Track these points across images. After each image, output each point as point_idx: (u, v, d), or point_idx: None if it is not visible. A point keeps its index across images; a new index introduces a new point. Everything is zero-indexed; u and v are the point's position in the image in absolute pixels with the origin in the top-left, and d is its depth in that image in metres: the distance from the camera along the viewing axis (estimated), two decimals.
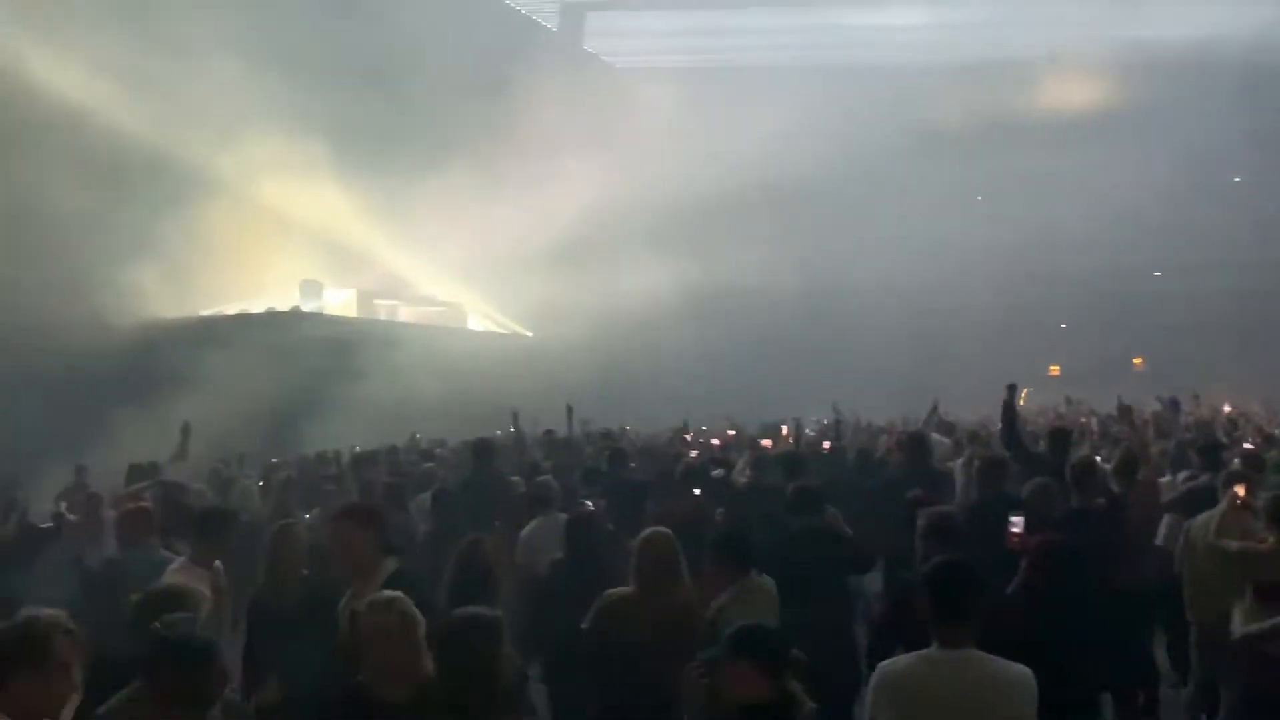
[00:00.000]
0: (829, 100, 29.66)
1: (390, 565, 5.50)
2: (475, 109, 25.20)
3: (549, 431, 14.17)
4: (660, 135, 27.77)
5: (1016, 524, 6.42)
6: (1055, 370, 33.37)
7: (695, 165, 27.87)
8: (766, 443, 13.54)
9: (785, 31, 33.61)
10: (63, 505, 11.01)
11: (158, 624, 4.01)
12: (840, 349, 31.82)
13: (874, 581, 8.44)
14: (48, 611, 3.71)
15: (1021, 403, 19.74)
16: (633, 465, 11.26)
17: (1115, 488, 8.08)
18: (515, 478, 10.28)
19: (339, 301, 24.47)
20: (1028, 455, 9.20)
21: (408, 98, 24.51)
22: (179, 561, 6.35)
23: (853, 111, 29.87)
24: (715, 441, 15.66)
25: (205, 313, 21.87)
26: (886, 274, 33.10)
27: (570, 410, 12.79)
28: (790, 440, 14.05)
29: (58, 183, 17.03)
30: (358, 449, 14.39)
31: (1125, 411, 10.83)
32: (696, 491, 8.97)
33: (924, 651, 4.41)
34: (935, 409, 14.53)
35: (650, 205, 27.55)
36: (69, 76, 17.62)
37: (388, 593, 4.58)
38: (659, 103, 29.39)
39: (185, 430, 11.26)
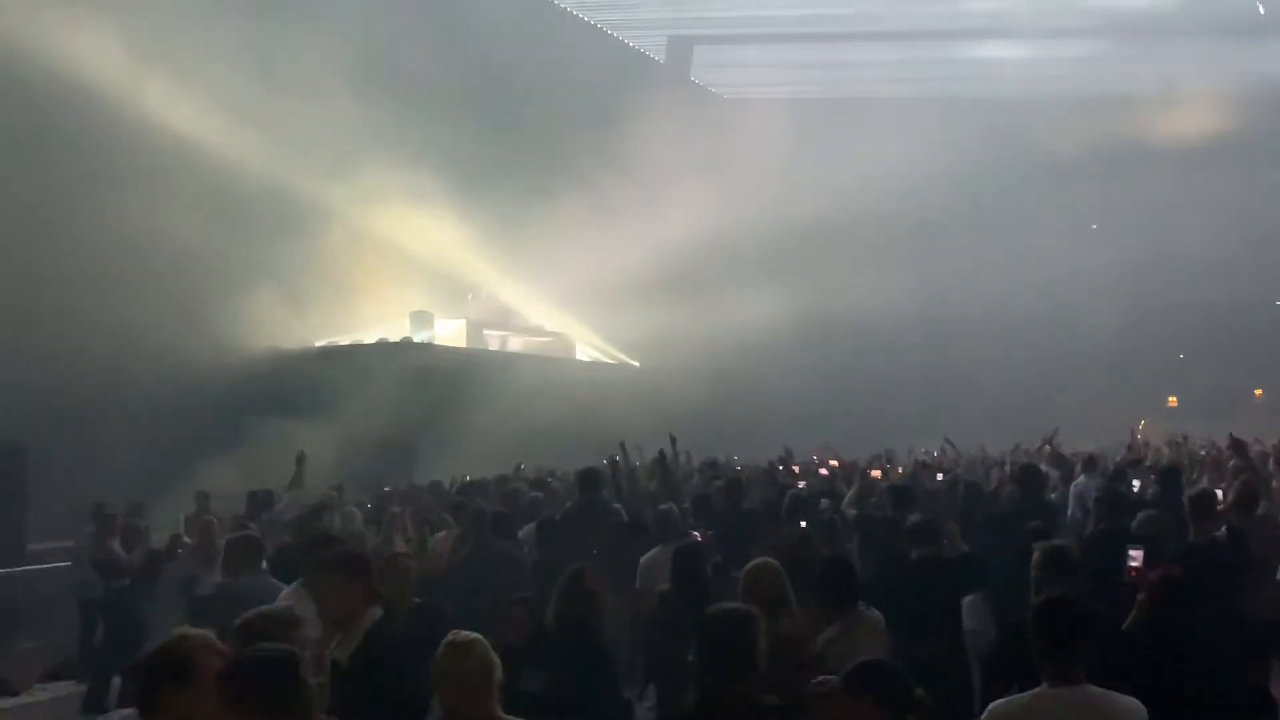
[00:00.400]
0: (941, 131, 29.43)
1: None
2: (584, 139, 25.50)
3: (660, 457, 14.18)
4: (770, 165, 27.80)
5: (1135, 558, 6.26)
6: (1173, 402, 32.63)
7: (805, 195, 27.81)
8: (876, 473, 13.38)
9: (897, 65, 33.40)
10: (182, 531, 11.40)
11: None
12: (954, 379, 31.41)
13: (980, 615, 8.29)
14: (196, 631, 3.80)
15: (1139, 434, 19.44)
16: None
17: (1234, 521, 7.85)
18: (617, 505, 10.31)
19: (449, 332, 24.82)
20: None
21: (518, 128, 25.09)
22: (290, 588, 6.45)
23: (965, 142, 29.60)
24: (823, 471, 15.54)
25: (320, 342, 22.40)
26: (1002, 303, 32.51)
27: (673, 440, 12.85)
28: (900, 471, 13.89)
29: (177, 215, 17.63)
30: (467, 478, 14.57)
31: (1239, 446, 10.47)
32: (804, 523, 8.90)
33: (1035, 690, 4.32)
34: (1051, 439, 14.27)
35: (760, 235, 27.70)
36: (187, 111, 18.19)
37: (464, 634, 4.47)
38: (768, 133, 29.37)
39: (301, 460, 11.54)
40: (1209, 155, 31.91)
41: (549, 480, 14.94)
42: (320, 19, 20.60)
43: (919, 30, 32.21)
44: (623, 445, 12.54)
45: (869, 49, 33.39)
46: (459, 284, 25.47)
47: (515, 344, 27.17)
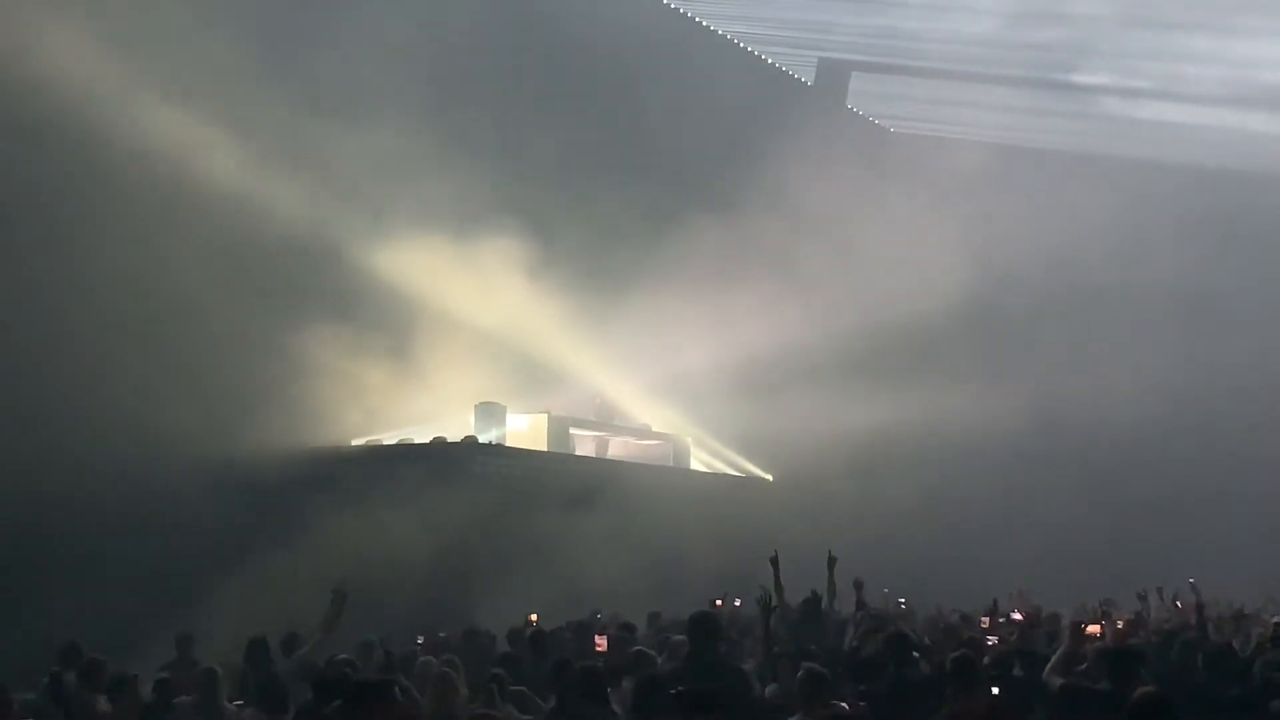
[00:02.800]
0: (1178, 192, 29.80)
1: None
2: (706, 190, 26.00)
3: (811, 599, 14.03)
4: (949, 219, 28.13)
5: None
6: None
7: (1003, 257, 27.84)
8: (1094, 629, 13.11)
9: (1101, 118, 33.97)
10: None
11: None
12: (1201, 502, 30.62)
13: None
14: None
15: None
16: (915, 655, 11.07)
17: None
18: (748, 665, 10.21)
19: (525, 429, 24.93)
20: None
21: (623, 169, 25.58)
22: None
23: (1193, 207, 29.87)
24: (1016, 616, 15.35)
25: (358, 442, 22.70)
26: (1258, 405, 31.77)
27: (832, 561, 12.70)
28: (1121, 627, 13.58)
29: (173, 272, 18.28)
30: (536, 621, 14.55)
31: None
32: (995, 691, 8.76)
33: None
34: None
35: (941, 310, 27.81)
36: (215, 160, 19.00)
37: None
38: (952, 176, 29.73)
39: (338, 596, 11.61)
40: None
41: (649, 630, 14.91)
42: (371, 23, 21.37)
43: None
44: (763, 588, 12.17)
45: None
46: (540, 369, 25.63)
47: (611, 448, 27.25)
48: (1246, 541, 28.27)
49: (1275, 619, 13.50)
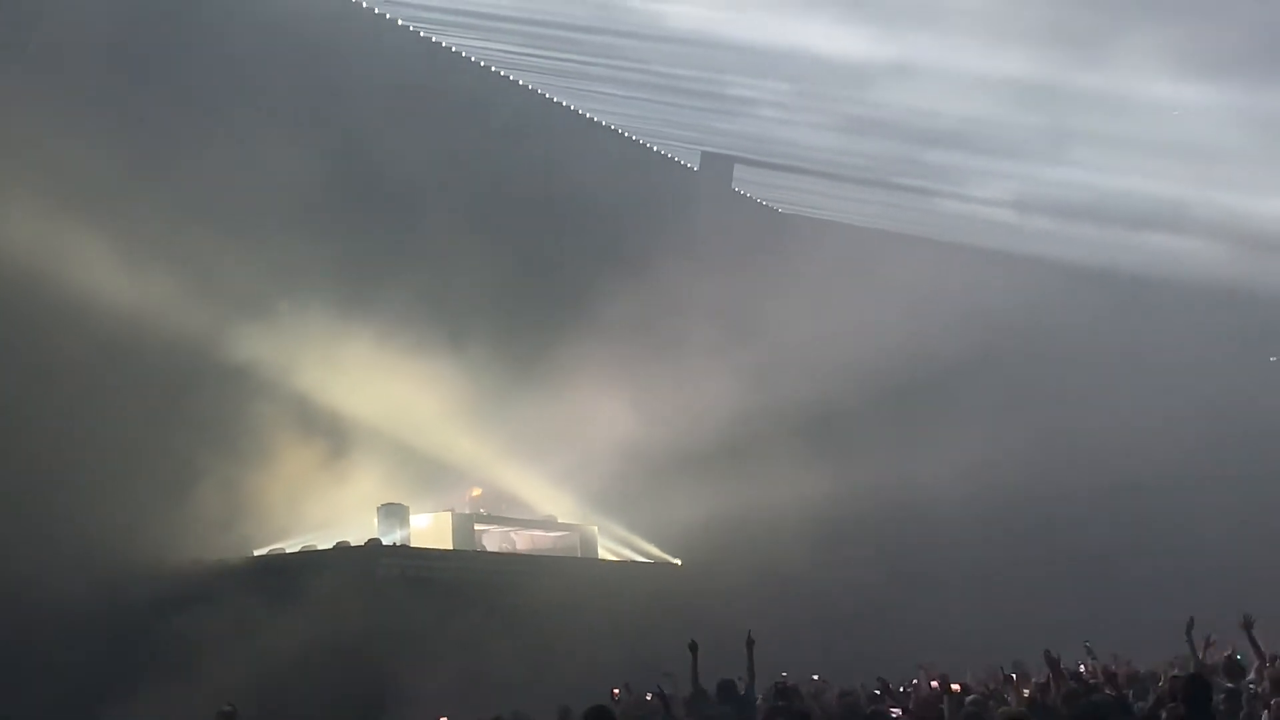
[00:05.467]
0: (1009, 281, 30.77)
1: None
2: (608, 274, 26.05)
3: (725, 684, 13.88)
4: (849, 298, 28.21)
5: None
6: None
7: (901, 334, 28.23)
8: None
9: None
10: None
11: None
12: (1098, 560, 31.17)
13: None
14: None
15: None
16: None
17: None
18: None
19: (429, 527, 24.57)
20: None
21: (517, 260, 25.57)
22: None
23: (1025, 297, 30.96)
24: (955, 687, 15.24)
25: (259, 551, 22.24)
26: (1137, 464, 32.37)
27: (693, 648, 12.57)
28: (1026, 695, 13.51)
29: (60, 383, 17.86)
30: None
31: None
32: None
33: None
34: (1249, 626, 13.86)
35: (837, 389, 27.84)
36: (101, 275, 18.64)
37: None
38: (841, 258, 29.75)
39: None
40: None
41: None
42: (258, 124, 21.23)
43: None
44: (693, 649, 12.02)
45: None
46: (442, 467, 25.35)
47: (517, 541, 26.96)
48: (1145, 597, 28.77)
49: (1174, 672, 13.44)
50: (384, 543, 22.85)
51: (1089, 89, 29.30)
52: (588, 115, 31.24)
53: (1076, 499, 32.83)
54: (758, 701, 14.11)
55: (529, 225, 27.29)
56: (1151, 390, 32.31)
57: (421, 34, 27.05)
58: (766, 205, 36.00)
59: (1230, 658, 14.33)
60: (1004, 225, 34.28)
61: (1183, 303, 33.50)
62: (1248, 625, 13.43)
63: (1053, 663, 12.83)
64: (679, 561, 28.49)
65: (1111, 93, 29.33)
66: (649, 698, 16.20)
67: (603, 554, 28.04)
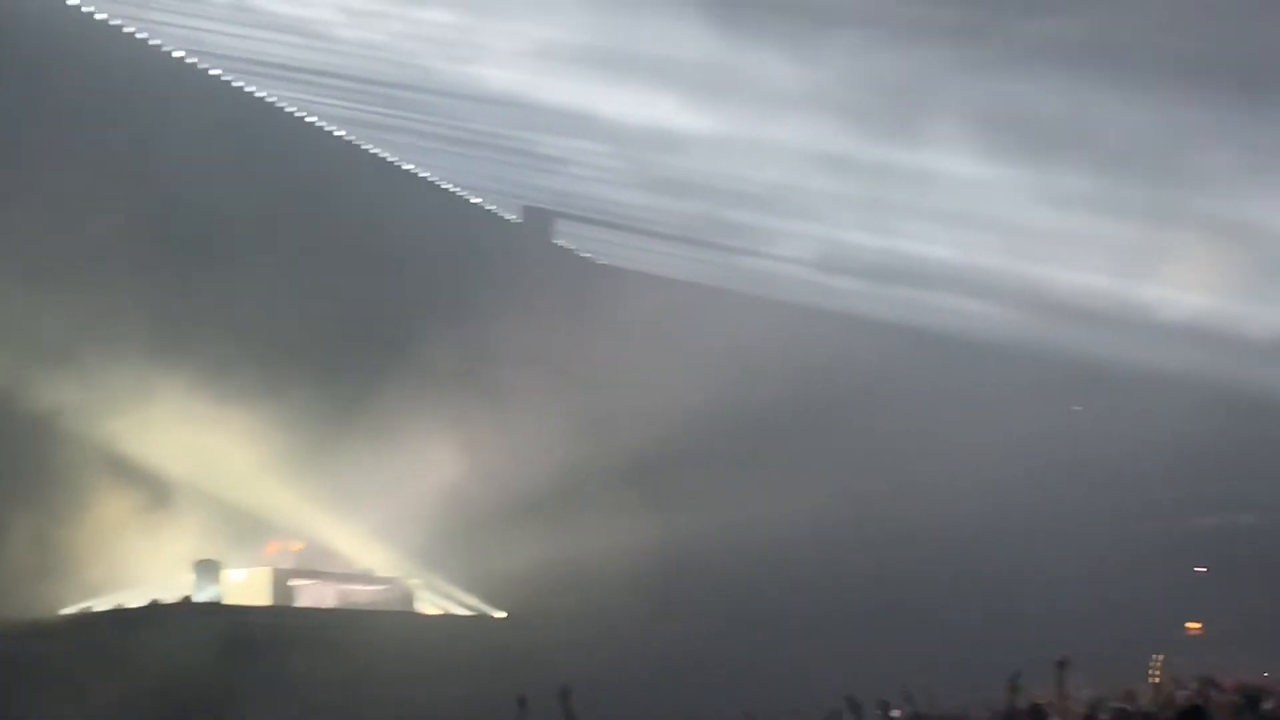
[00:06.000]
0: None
1: None
2: (431, 324, 25.94)
3: None
4: (670, 348, 28.57)
5: None
6: (1195, 628, 32.96)
7: (720, 386, 28.35)
8: None
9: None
10: None
11: None
12: (907, 607, 31.61)
13: None
14: None
15: (1156, 676, 19.44)
16: None
17: None
18: None
19: (246, 583, 24.17)
20: None
21: (343, 311, 25.41)
22: None
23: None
24: None
25: (68, 610, 21.65)
26: (953, 511, 33.03)
27: (566, 694, 12.54)
28: None
29: None
30: None
31: None
32: None
33: None
34: (1013, 685, 14.21)
35: (661, 435, 27.83)
36: None
37: None
38: (661, 309, 30.23)
39: None
40: None
41: None
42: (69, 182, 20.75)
43: None
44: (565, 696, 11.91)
45: None
46: (260, 520, 24.94)
47: (336, 596, 26.58)
48: (948, 642, 29.46)
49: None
50: (197, 600, 22.45)
51: (898, 163, 30.42)
52: (409, 168, 31.22)
53: (901, 544, 33.26)
54: None
55: (351, 275, 27.02)
56: (967, 440, 32.95)
57: (242, 87, 26.96)
58: (587, 258, 36.24)
59: (1036, 705, 14.67)
60: (815, 284, 34.93)
61: (989, 359, 34.34)
62: (1060, 666, 13.80)
63: None
64: (502, 614, 28.39)
65: (919, 167, 30.44)
66: None
67: (424, 608, 27.85)
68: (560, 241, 35.53)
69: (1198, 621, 33.55)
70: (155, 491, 22.43)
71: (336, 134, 29.30)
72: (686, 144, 29.49)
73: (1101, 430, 34.68)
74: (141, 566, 22.65)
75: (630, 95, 28.50)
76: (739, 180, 31.06)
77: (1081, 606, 30.54)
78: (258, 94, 27.45)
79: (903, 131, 29.71)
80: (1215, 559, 34.91)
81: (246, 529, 24.44)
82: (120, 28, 24.61)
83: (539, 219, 35.34)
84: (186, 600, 22.26)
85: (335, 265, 26.84)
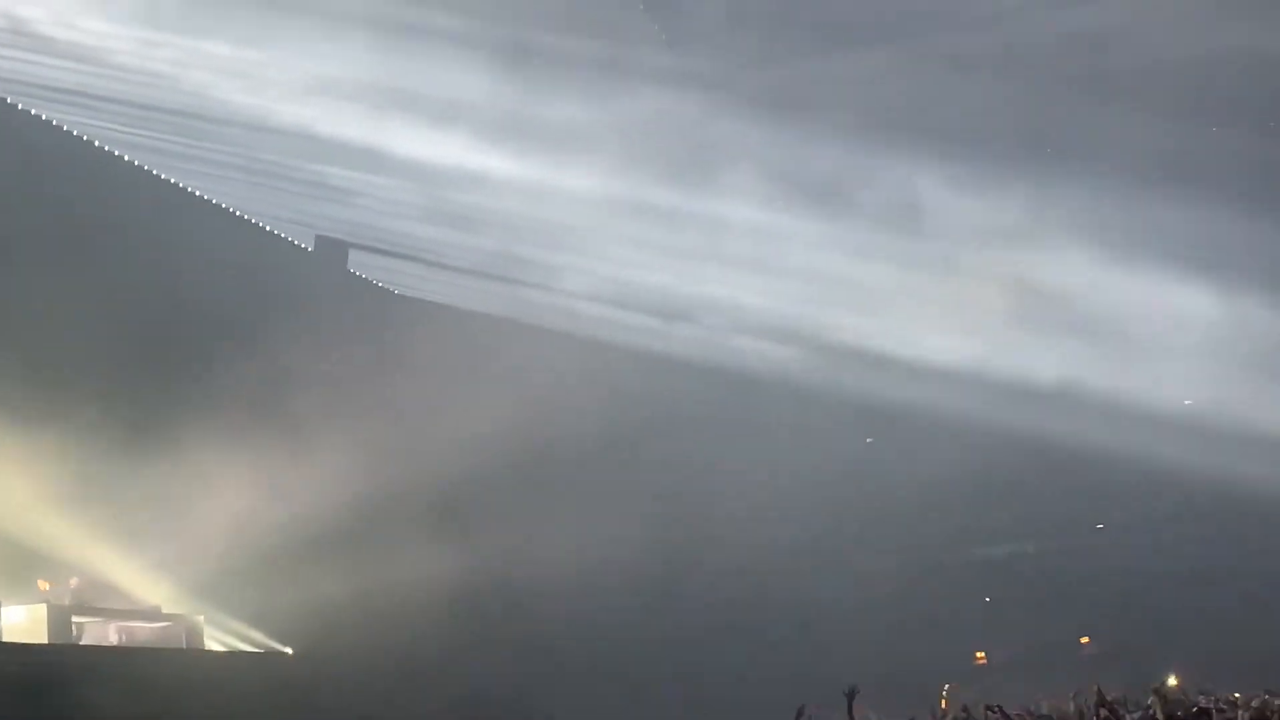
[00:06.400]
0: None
1: None
2: (222, 351, 25.57)
3: None
4: (469, 378, 28.73)
5: None
6: (982, 657, 33.86)
7: (518, 418, 28.55)
8: None
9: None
10: None
11: None
12: (688, 644, 32.12)
13: None
14: None
15: (944, 706, 19.80)
16: None
17: None
18: None
19: (22, 622, 23.15)
20: None
21: (130, 336, 24.63)
22: None
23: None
24: None
25: None
26: (749, 543, 33.59)
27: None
28: None
29: None
30: None
31: (1108, 707, 10.56)
32: None
33: None
34: (801, 714, 14.37)
35: (477, 469, 28.14)
36: None
37: None
38: (457, 341, 30.39)
39: None
40: None
41: None
42: None
43: None
44: None
45: None
46: (37, 554, 24.01)
47: (119, 634, 25.62)
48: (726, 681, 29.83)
49: None
50: None
51: (691, 207, 31.04)
52: (198, 193, 30.63)
53: (699, 576, 33.80)
54: None
55: (138, 299, 26.38)
56: (763, 475, 33.64)
57: (22, 108, 26.16)
58: (383, 287, 36.05)
59: None
60: (609, 320, 35.34)
61: (785, 396, 35.01)
62: (850, 696, 13.91)
63: None
64: (289, 650, 27.88)
65: (712, 212, 31.09)
66: None
67: (211, 644, 27.11)
68: (355, 270, 35.39)
69: (983, 650, 34.53)
70: None
71: (122, 158, 28.56)
72: (478, 181, 29.73)
73: (893, 465, 35.51)
74: None
75: (420, 132, 28.86)
76: (531, 219, 31.34)
77: (872, 636, 31.14)
78: (42, 116, 26.63)
79: (696, 177, 30.31)
80: (1002, 588, 36.00)
81: (23, 564, 23.50)
82: None
83: (332, 248, 35.13)
84: None
85: (120, 288, 26.25)
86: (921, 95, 33.25)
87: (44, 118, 26.69)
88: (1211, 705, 14.67)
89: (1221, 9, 31.64)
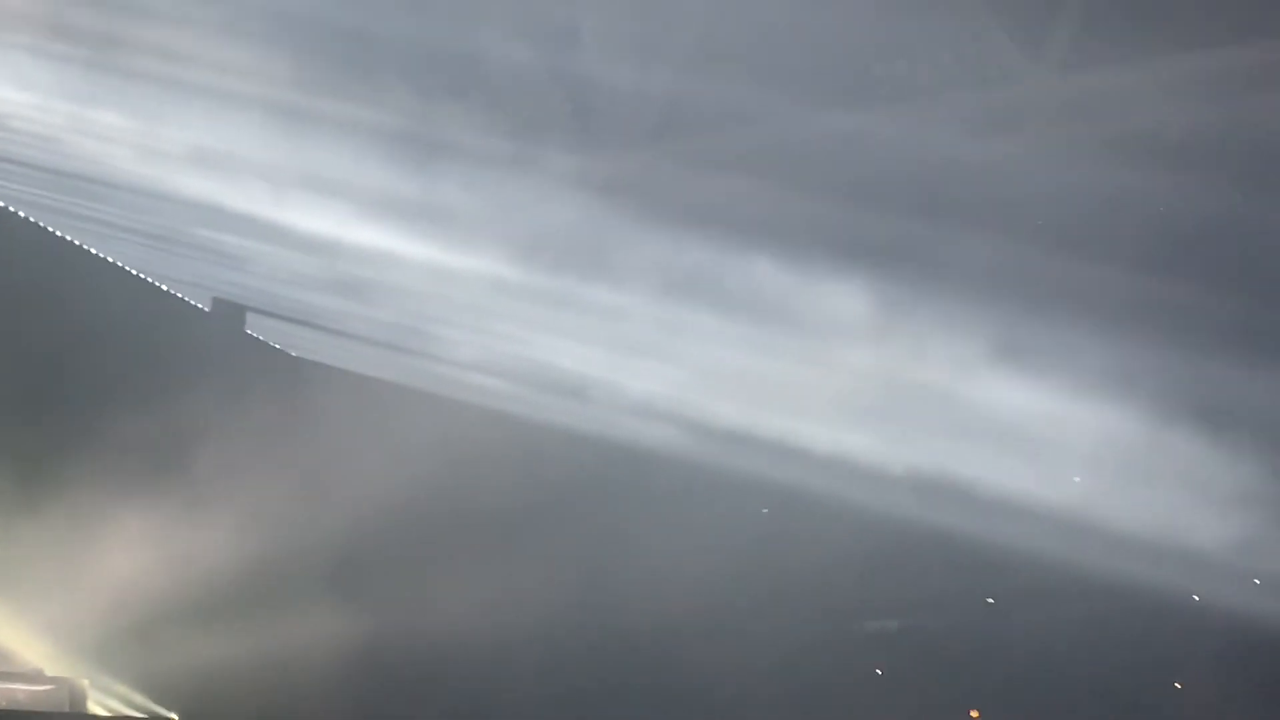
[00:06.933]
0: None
1: None
2: (114, 408, 25.33)
3: None
4: (365, 447, 28.94)
5: None
6: (976, 715, 34.11)
7: (420, 484, 28.53)
8: None
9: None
10: None
11: None
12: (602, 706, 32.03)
13: None
14: None
15: None
16: None
17: None
18: None
19: None
20: None
21: (17, 390, 24.69)
22: None
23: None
24: None
25: None
26: (644, 615, 33.69)
27: None
28: None
29: None
30: None
31: None
32: None
33: None
34: None
35: (358, 535, 28.06)
36: None
37: None
38: (350, 405, 30.70)
39: None
40: None
41: None
42: None
43: None
44: None
45: None
46: None
47: None
48: None
49: None
50: None
51: (584, 295, 31.62)
52: (92, 251, 30.38)
53: (603, 643, 33.82)
54: None
55: (28, 355, 26.09)
56: (664, 546, 33.76)
57: None
58: (281, 350, 35.90)
59: None
60: (500, 393, 35.55)
61: (682, 474, 35.26)
62: None
63: None
64: (175, 716, 27.32)
65: (602, 300, 31.63)
66: None
67: (95, 709, 26.43)
68: (252, 333, 35.21)
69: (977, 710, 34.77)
70: None
71: (17, 213, 28.36)
72: (377, 257, 29.84)
73: (787, 539, 35.77)
74: None
75: (319, 208, 28.86)
76: (428, 294, 31.54)
77: (770, 702, 31.26)
78: None
79: (588, 267, 30.75)
80: (893, 661, 36.24)
81: None
82: None
83: (230, 310, 34.96)
84: None
85: (9, 345, 26.08)
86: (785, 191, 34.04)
87: None
88: None
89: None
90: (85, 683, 26.47)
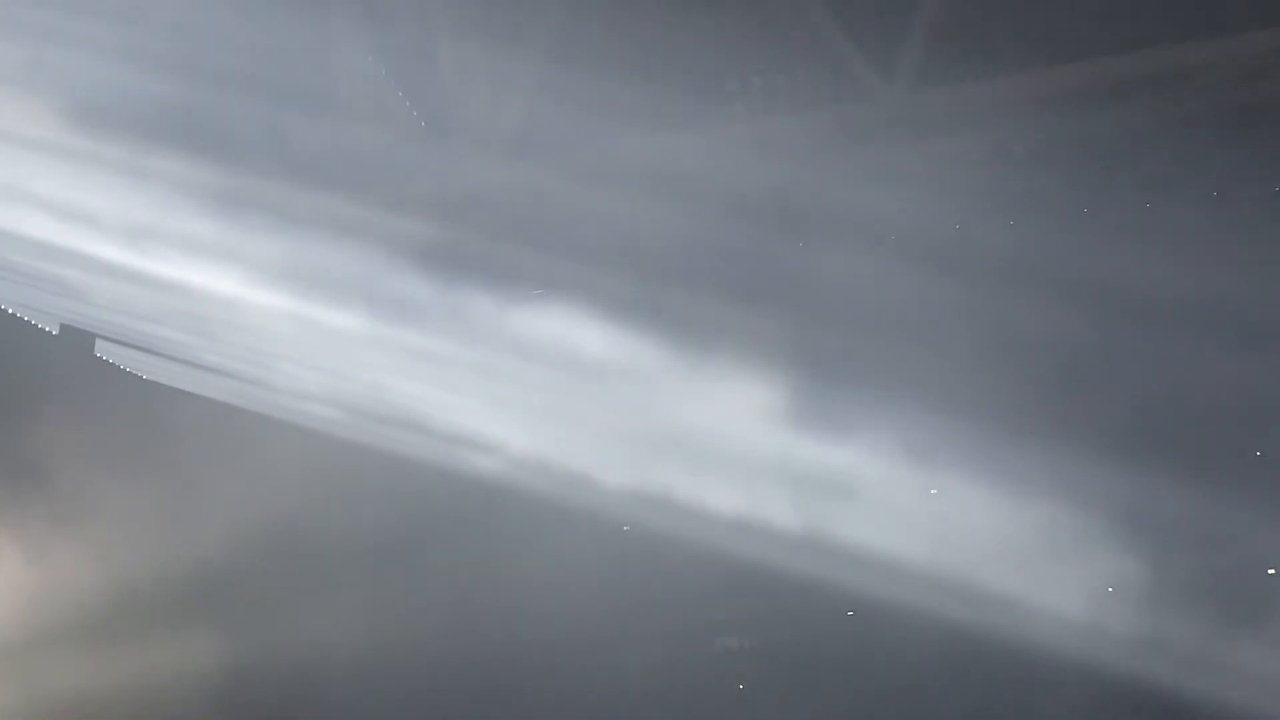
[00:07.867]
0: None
1: None
2: None
3: None
4: (225, 471, 28.63)
5: None
6: None
7: (283, 509, 28.48)
8: None
9: None
10: None
11: None
12: None
13: None
14: None
15: None
16: None
17: None
18: None
19: None
20: None
21: None
22: None
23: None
24: None
25: None
26: (518, 631, 33.69)
27: None
28: None
29: None
30: None
31: None
32: None
33: None
34: None
35: (237, 555, 27.75)
36: None
37: None
38: (207, 431, 30.43)
39: None
40: None
41: None
42: None
43: None
44: None
45: None
46: None
47: None
48: None
49: None
50: None
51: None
52: None
53: (472, 665, 33.79)
54: None
55: None
56: (526, 572, 33.90)
57: None
58: (132, 373, 35.57)
59: None
60: (344, 423, 35.69)
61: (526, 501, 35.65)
62: None
63: None
64: None
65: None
66: None
67: None
68: (103, 356, 34.88)
69: None
70: None
71: None
72: (214, 297, 29.85)
73: (643, 559, 36.05)
74: None
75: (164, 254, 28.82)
76: (268, 333, 31.59)
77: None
78: None
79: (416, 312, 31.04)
80: (754, 677, 36.49)
81: None
82: None
83: (78, 335, 34.66)
84: None
85: None
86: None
87: None
88: None
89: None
90: None
